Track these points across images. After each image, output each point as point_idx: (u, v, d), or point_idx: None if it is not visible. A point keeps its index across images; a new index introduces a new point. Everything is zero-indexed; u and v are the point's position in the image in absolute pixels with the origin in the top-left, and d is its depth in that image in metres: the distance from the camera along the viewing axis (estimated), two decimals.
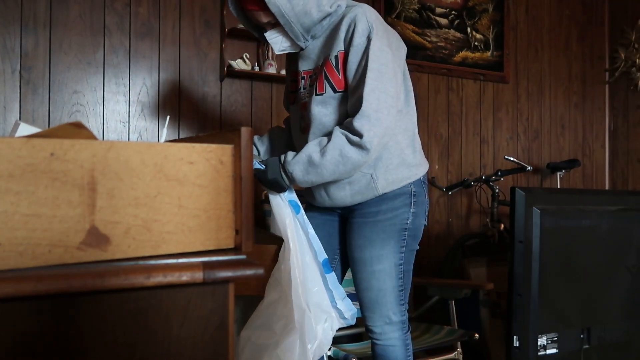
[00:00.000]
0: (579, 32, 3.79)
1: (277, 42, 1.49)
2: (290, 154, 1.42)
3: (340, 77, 1.45)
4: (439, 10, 3.21)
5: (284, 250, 1.41)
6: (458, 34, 3.27)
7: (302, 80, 1.56)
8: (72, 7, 2.34)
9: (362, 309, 1.59)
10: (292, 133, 1.66)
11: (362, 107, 1.35)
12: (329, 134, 1.42)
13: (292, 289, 1.35)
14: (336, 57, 1.44)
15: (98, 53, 2.39)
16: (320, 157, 1.37)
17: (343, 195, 1.53)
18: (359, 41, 1.40)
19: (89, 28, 2.37)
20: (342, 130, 1.38)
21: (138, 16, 2.47)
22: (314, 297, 1.40)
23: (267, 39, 1.49)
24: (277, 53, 1.53)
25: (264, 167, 1.42)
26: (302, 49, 1.52)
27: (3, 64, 2.22)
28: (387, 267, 1.51)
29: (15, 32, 2.24)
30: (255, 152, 1.74)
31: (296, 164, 1.39)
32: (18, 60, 2.24)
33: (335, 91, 1.46)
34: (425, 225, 1.60)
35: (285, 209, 1.43)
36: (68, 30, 2.33)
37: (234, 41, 2.68)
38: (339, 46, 1.44)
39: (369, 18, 1.41)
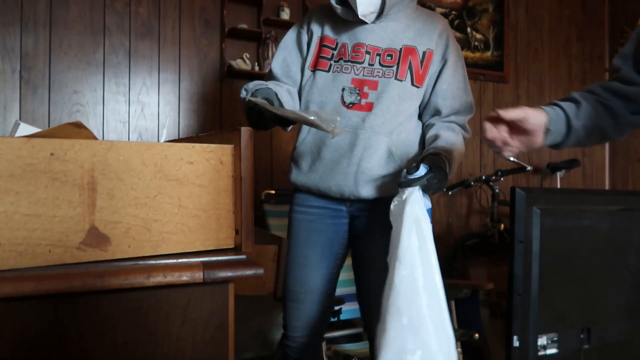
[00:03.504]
0: (579, 32, 3.78)
1: (365, 3, 1.42)
2: (442, 148, 1.39)
3: (422, 73, 1.47)
4: (439, 10, 3.21)
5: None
6: (458, 34, 3.27)
7: (367, 55, 1.47)
8: (72, 7, 2.34)
9: (371, 313, 1.49)
10: (322, 101, 1.50)
11: (472, 108, 1.54)
12: (422, 141, 1.51)
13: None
14: (424, 53, 1.47)
15: (98, 53, 2.39)
16: (461, 148, 1.47)
17: (372, 187, 1.45)
18: (454, 49, 1.52)
19: (89, 28, 2.37)
20: (457, 126, 1.50)
21: (138, 16, 2.47)
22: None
23: None
24: (360, 13, 1.43)
25: (426, 170, 1.27)
26: (364, 23, 1.48)
27: (3, 64, 2.22)
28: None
29: (15, 32, 2.24)
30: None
31: (453, 155, 1.41)
32: (18, 60, 2.24)
33: (412, 83, 1.47)
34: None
35: (426, 218, 1.26)
36: (68, 30, 2.33)
37: (234, 41, 2.68)
38: (429, 44, 1.48)
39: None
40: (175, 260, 0.70)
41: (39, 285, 0.59)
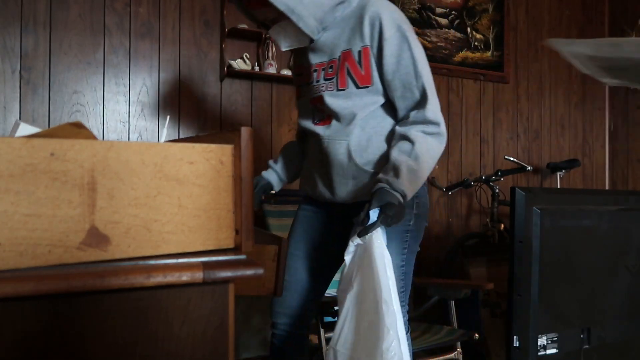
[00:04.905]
0: (579, 32, 3.78)
1: (281, 39, 1.46)
2: (386, 179, 1.34)
3: (364, 72, 1.43)
4: (439, 10, 3.21)
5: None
6: (458, 34, 3.27)
7: (315, 73, 1.52)
8: (72, 7, 2.34)
9: None
10: (304, 127, 1.60)
11: (429, 96, 1.39)
12: (389, 136, 1.44)
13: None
14: (359, 52, 1.42)
15: (98, 53, 2.39)
16: (416, 164, 1.36)
17: (346, 191, 1.51)
18: (391, 34, 1.39)
19: (89, 28, 2.37)
20: (415, 127, 1.39)
21: (138, 16, 2.47)
22: None
23: (271, 35, 1.47)
24: (283, 50, 1.49)
25: (377, 214, 1.31)
26: (311, 42, 1.47)
27: (3, 64, 2.22)
28: None
29: (15, 32, 2.24)
30: (275, 177, 1.72)
31: (402, 181, 1.33)
32: (18, 60, 2.24)
33: (357, 87, 1.44)
34: (425, 226, 1.60)
35: (390, 262, 1.32)
36: (68, 30, 2.33)
37: (234, 41, 2.68)
38: (363, 41, 1.41)
39: (391, 10, 1.43)
40: (175, 260, 0.70)
41: (39, 285, 0.59)
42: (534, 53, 3.60)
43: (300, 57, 1.59)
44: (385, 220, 1.30)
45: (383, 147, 1.47)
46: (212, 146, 0.77)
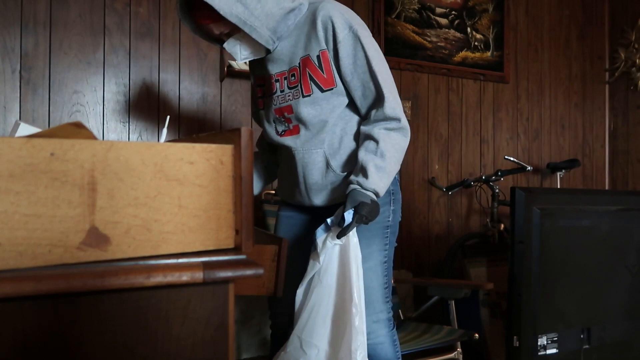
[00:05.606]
0: (579, 32, 3.79)
1: (237, 52, 1.47)
2: (357, 180, 1.40)
3: (326, 76, 1.45)
4: (439, 10, 3.21)
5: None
6: (458, 34, 3.27)
7: (277, 83, 1.53)
8: (72, 7, 2.34)
9: None
10: (267, 139, 1.63)
11: (385, 94, 1.42)
12: (357, 134, 1.48)
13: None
14: (318, 57, 1.44)
15: (98, 53, 2.39)
16: (383, 160, 1.40)
17: (324, 197, 1.54)
18: (344, 35, 1.41)
19: (89, 28, 2.37)
20: (378, 125, 1.44)
21: (138, 16, 2.47)
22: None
23: (227, 49, 1.47)
24: (240, 62, 1.51)
25: (351, 215, 1.37)
26: (268, 53, 1.49)
27: (3, 64, 2.22)
28: (373, 265, 1.51)
29: (15, 32, 2.24)
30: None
31: (372, 179, 1.38)
32: (18, 60, 2.24)
33: (322, 90, 1.46)
34: (399, 220, 1.62)
35: (360, 259, 1.40)
36: (68, 30, 2.33)
37: None
38: (320, 45, 1.43)
39: (341, 11, 1.44)
40: (175, 260, 0.70)
41: (39, 285, 0.59)
42: (534, 53, 3.60)
43: (259, 68, 1.60)
44: (360, 219, 1.36)
45: (353, 146, 1.51)
46: (212, 146, 0.77)
